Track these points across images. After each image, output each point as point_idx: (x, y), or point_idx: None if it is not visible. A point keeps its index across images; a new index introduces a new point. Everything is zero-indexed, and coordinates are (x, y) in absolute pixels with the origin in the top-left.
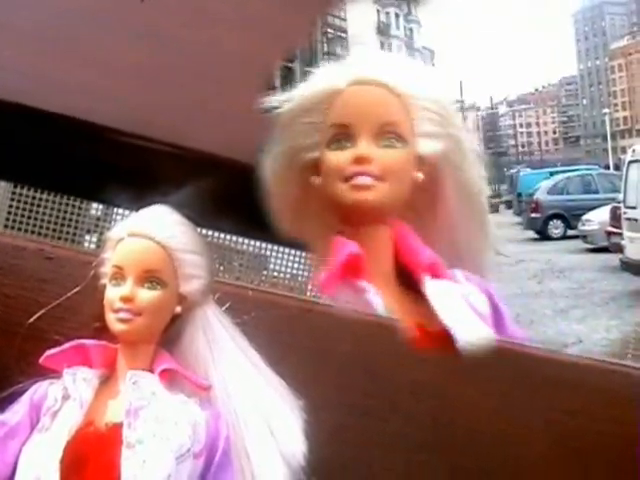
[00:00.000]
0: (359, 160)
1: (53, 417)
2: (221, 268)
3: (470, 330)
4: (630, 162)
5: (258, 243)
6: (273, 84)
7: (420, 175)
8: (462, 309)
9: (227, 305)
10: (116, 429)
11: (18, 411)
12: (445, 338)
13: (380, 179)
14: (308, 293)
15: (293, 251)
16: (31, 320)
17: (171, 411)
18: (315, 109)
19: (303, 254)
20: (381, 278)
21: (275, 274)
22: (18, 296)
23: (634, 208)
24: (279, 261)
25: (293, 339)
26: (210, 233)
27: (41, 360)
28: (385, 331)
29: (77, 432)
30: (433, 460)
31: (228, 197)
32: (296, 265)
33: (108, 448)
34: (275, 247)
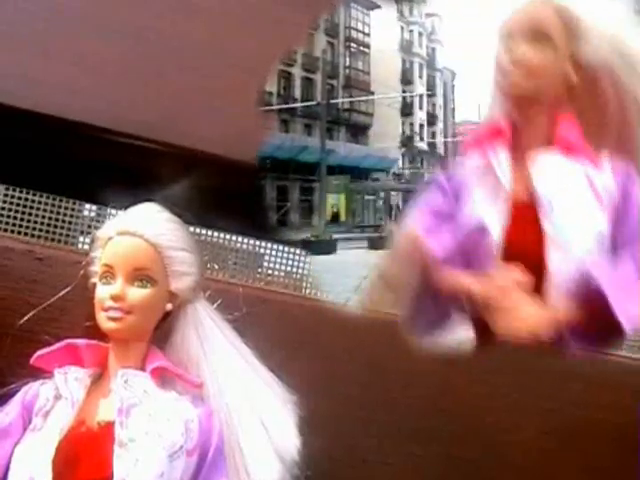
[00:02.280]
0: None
1: (45, 417)
2: (215, 266)
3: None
4: None
5: (253, 241)
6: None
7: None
8: (564, 181)
9: (218, 302)
10: (108, 427)
11: (10, 412)
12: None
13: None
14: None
15: (288, 248)
16: (22, 321)
17: (163, 409)
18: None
19: (297, 251)
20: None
21: (270, 272)
22: (8, 297)
23: None
24: (274, 259)
25: (285, 334)
26: (205, 232)
27: (32, 360)
28: (379, 324)
29: (69, 431)
30: (428, 451)
31: (223, 195)
32: (290, 262)
33: (100, 447)
34: (270, 245)
